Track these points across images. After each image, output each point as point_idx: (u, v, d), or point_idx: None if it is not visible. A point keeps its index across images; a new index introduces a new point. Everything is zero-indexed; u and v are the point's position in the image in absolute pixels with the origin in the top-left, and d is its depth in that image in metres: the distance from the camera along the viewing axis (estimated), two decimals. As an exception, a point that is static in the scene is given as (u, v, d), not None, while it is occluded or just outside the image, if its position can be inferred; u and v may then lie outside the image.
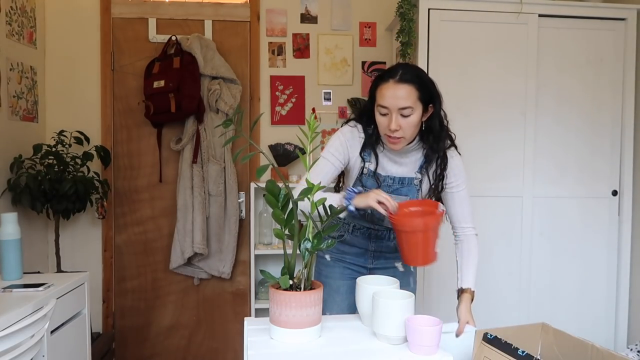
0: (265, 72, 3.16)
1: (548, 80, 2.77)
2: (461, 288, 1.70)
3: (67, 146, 2.73)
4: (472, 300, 1.68)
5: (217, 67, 2.99)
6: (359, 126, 1.72)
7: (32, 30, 2.84)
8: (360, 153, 1.71)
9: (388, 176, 1.71)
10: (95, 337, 2.81)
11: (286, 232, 1.28)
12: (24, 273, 2.04)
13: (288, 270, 1.28)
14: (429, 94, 1.62)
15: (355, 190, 1.59)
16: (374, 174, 1.70)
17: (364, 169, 1.71)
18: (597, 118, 2.82)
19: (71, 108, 3.01)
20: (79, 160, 2.72)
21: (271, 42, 3.16)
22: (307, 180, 1.31)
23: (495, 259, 2.75)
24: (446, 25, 2.67)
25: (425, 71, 2.63)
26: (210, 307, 3.19)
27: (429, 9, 2.65)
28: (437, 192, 1.72)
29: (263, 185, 1.26)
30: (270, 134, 3.15)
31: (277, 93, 3.16)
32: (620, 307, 2.84)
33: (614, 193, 2.83)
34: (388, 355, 1.19)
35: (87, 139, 2.82)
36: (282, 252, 1.34)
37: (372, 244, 1.80)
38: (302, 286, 1.28)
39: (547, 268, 2.81)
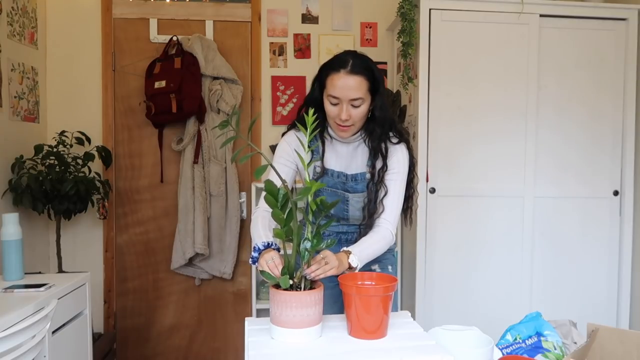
0: (267, 73, 3.16)
1: (549, 80, 2.77)
2: (344, 249, 1.50)
3: (68, 146, 2.73)
4: (345, 266, 1.43)
5: (218, 67, 2.99)
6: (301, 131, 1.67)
7: (33, 31, 2.85)
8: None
9: (341, 172, 1.69)
10: (96, 338, 2.82)
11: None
12: (25, 273, 2.05)
13: (288, 270, 1.28)
14: (377, 85, 1.60)
15: (261, 247, 1.43)
16: (322, 170, 1.66)
17: (315, 167, 1.67)
18: (598, 118, 2.81)
19: (72, 108, 3.02)
20: (80, 161, 2.73)
21: (272, 43, 3.16)
22: (305, 180, 1.31)
23: (496, 260, 2.75)
24: (447, 26, 2.67)
25: (427, 70, 2.66)
26: (212, 307, 3.19)
27: (430, 9, 2.65)
28: (379, 180, 1.65)
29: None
30: (272, 134, 3.15)
31: (278, 93, 3.16)
32: (621, 307, 2.83)
33: (615, 193, 2.83)
34: (389, 355, 1.19)
35: (89, 140, 2.82)
36: (282, 252, 1.34)
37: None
38: (302, 286, 1.28)
39: (549, 268, 2.80)
